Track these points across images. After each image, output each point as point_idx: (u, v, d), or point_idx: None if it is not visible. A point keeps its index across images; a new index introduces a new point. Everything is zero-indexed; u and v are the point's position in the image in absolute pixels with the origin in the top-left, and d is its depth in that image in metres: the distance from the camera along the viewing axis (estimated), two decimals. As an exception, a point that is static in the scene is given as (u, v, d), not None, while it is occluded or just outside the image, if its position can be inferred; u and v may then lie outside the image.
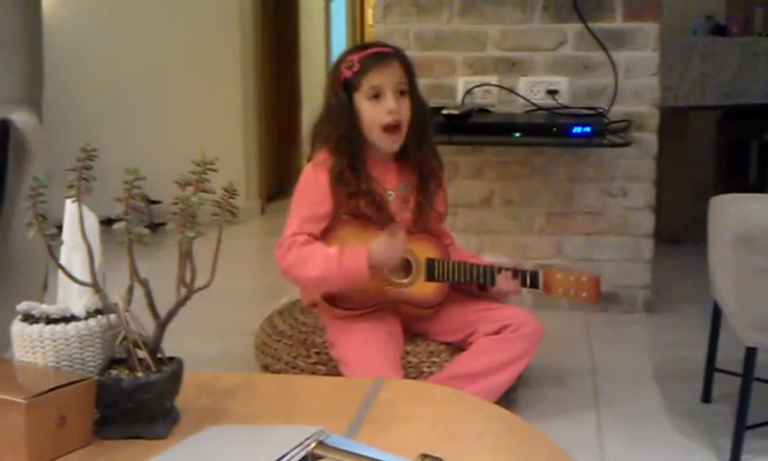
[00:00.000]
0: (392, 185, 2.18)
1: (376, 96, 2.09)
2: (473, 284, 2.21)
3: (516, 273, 2.18)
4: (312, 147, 2.19)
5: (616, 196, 3.13)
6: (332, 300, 2.12)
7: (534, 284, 2.20)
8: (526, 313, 2.19)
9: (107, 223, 1.28)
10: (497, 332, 2.15)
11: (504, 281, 2.17)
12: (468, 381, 2.06)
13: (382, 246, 2.04)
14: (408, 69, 2.15)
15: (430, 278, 2.16)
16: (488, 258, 2.41)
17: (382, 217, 2.13)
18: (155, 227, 4.07)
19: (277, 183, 5.72)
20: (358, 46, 2.23)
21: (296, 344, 2.23)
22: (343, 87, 2.11)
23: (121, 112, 4.97)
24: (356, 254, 2.03)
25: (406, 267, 2.16)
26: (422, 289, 2.17)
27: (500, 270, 2.17)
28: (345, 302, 2.12)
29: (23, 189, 1.91)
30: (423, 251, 2.17)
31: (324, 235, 2.10)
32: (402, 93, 2.12)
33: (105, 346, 1.16)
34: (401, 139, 2.14)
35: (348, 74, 2.10)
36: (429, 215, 2.22)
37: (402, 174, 2.20)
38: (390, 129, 2.11)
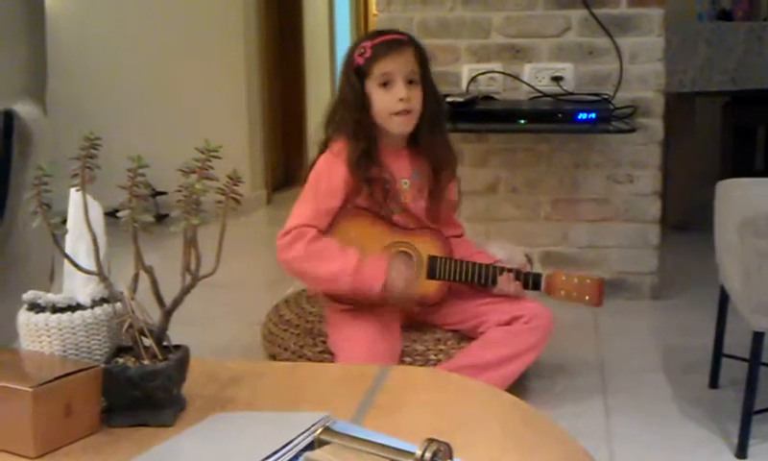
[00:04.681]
0: (405, 174, 2.17)
1: (387, 83, 2.09)
2: (474, 284, 2.18)
3: (519, 274, 2.17)
4: (326, 132, 2.18)
5: (622, 182, 3.12)
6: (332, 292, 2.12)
7: (536, 287, 2.18)
8: (539, 304, 2.18)
9: (112, 214, 1.28)
10: (509, 323, 2.14)
11: (506, 283, 2.15)
12: (477, 372, 2.04)
13: (401, 280, 2.04)
14: (421, 58, 2.14)
15: (431, 276, 2.15)
16: (494, 244, 2.39)
17: (394, 208, 2.13)
18: (160, 218, 4.08)
19: (283, 173, 5.72)
20: (373, 33, 2.23)
21: (302, 333, 2.24)
22: (355, 73, 2.11)
23: (125, 104, 4.96)
24: (374, 271, 2.02)
25: (408, 262, 2.14)
26: (423, 287, 2.16)
27: (502, 271, 2.15)
28: (343, 295, 2.11)
29: (28, 180, 1.91)
30: (426, 248, 2.15)
31: (331, 227, 2.09)
32: (413, 82, 2.10)
33: (111, 334, 1.16)
34: (412, 123, 2.13)
35: (360, 61, 2.10)
36: (442, 204, 2.22)
37: (414, 162, 2.19)
38: (400, 114, 2.10)
